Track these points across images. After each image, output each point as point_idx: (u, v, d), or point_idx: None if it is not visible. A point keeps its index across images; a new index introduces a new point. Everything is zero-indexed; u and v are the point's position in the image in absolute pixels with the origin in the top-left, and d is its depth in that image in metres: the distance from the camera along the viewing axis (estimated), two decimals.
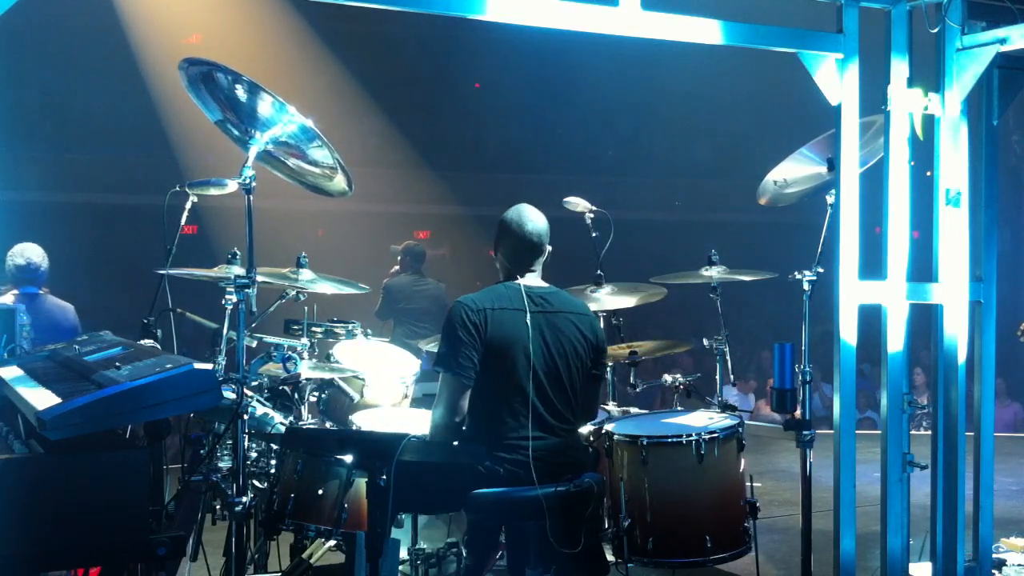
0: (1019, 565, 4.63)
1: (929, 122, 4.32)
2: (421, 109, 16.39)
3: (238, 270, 4.04)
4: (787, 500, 6.64)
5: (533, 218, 3.85)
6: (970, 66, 4.27)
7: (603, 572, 3.78)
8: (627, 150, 18.05)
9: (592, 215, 5.09)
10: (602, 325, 4.98)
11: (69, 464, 2.70)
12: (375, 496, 3.29)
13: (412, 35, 15.49)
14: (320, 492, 3.57)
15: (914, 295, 4.28)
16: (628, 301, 4.97)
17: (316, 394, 4.53)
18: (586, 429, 4.17)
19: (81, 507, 2.67)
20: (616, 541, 3.99)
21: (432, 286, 8.46)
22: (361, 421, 4.24)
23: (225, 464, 4.02)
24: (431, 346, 5.15)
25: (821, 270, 4.52)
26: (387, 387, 4.64)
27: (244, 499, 3.67)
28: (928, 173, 4.38)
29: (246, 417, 3.72)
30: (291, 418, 4.25)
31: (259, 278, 3.79)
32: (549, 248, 3.89)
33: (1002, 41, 4.16)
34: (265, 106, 3.69)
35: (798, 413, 4.49)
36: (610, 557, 3.96)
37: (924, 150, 4.33)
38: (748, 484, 4.19)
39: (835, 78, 4.17)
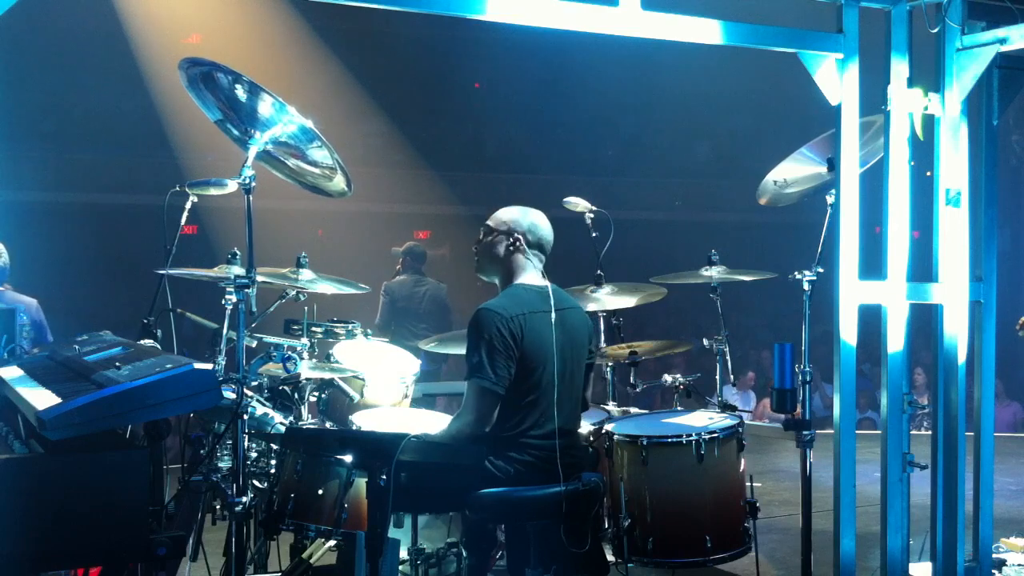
0: (1019, 565, 4.63)
1: (929, 122, 4.32)
2: (421, 109, 16.38)
3: (238, 270, 4.04)
4: (787, 500, 6.64)
5: (543, 224, 3.85)
6: (970, 66, 4.27)
7: (603, 572, 3.78)
8: (627, 150, 18.04)
9: (592, 215, 5.08)
10: (602, 325, 4.99)
11: (69, 464, 2.70)
12: (375, 496, 3.29)
13: (412, 35, 15.47)
14: (320, 492, 3.56)
15: (914, 295, 4.28)
16: (628, 301, 4.96)
17: (316, 394, 4.53)
18: (586, 429, 4.17)
19: (81, 507, 2.66)
20: (616, 541, 3.99)
21: (432, 286, 8.46)
22: (361, 421, 4.24)
23: (225, 464, 4.01)
24: (431, 346, 5.15)
25: (821, 270, 4.52)
26: (387, 387, 4.63)
27: (244, 499, 3.67)
28: (928, 173, 4.38)
29: (246, 417, 3.72)
30: (291, 418, 4.25)
31: (259, 278, 3.79)
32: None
33: (1002, 41, 4.16)
34: (265, 106, 3.69)
35: (798, 413, 4.48)
36: (610, 557, 3.97)
37: (924, 150, 4.33)
38: (748, 484, 4.19)
39: (835, 78, 4.17)
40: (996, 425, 4.67)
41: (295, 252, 4.56)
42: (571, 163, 16.33)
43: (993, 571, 4.53)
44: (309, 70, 13.91)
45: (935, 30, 4.26)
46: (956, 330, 4.36)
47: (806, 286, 4.57)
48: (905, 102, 4.23)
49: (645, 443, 4.04)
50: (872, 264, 4.22)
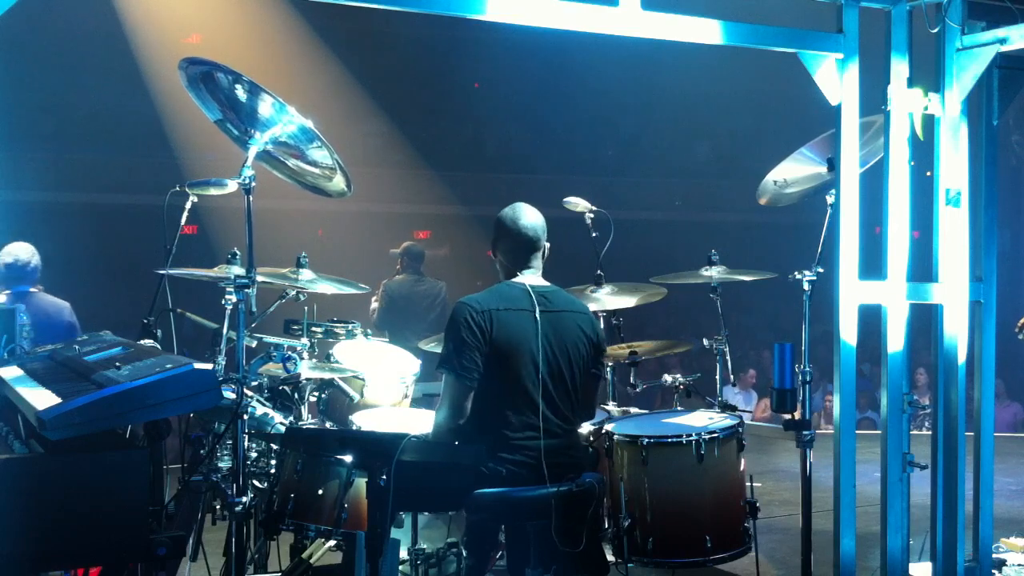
0: (1019, 565, 4.63)
1: (929, 122, 4.32)
2: (421, 109, 16.39)
3: (238, 270, 4.04)
4: (787, 500, 6.64)
5: (528, 215, 3.84)
6: (970, 66, 4.27)
7: (603, 572, 3.78)
8: (627, 150, 18.05)
9: (592, 215, 5.08)
10: (602, 325, 4.99)
11: (69, 464, 2.69)
12: (375, 496, 3.29)
13: (412, 35, 15.48)
14: (320, 492, 3.57)
15: (914, 295, 4.28)
16: (628, 301, 4.96)
17: (316, 394, 4.53)
18: (586, 429, 4.17)
19: (81, 507, 2.66)
20: (616, 541, 3.99)
21: (432, 286, 8.45)
22: (361, 421, 4.24)
23: (225, 464, 4.01)
24: (431, 346, 5.14)
25: (821, 270, 4.52)
26: (387, 387, 4.64)
27: (244, 499, 3.67)
28: (928, 173, 4.38)
29: (246, 417, 3.72)
30: (291, 418, 4.25)
31: (259, 278, 3.79)
32: (547, 245, 3.88)
33: (1002, 41, 4.16)
34: (265, 106, 3.70)
35: (798, 414, 4.48)
36: (610, 557, 3.96)
37: (924, 150, 4.33)
38: (748, 484, 4.19)
39: (835, 78, 4.17)
40: (996, 425, 4.67)
41: (295, 252, 4.56)
42: (571, 163, 16.34)
43: (993, 571, 4.53)
44: (309, 70, 13.91)
45: (935, 30, 4.26)
46: (956, 330, 4.36)
47: (806, 286, 4.56)
48: (905, 102, 4.23)
49: (645, 443, 4.04)
50: (872, 264, 4.22)
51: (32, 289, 5.81)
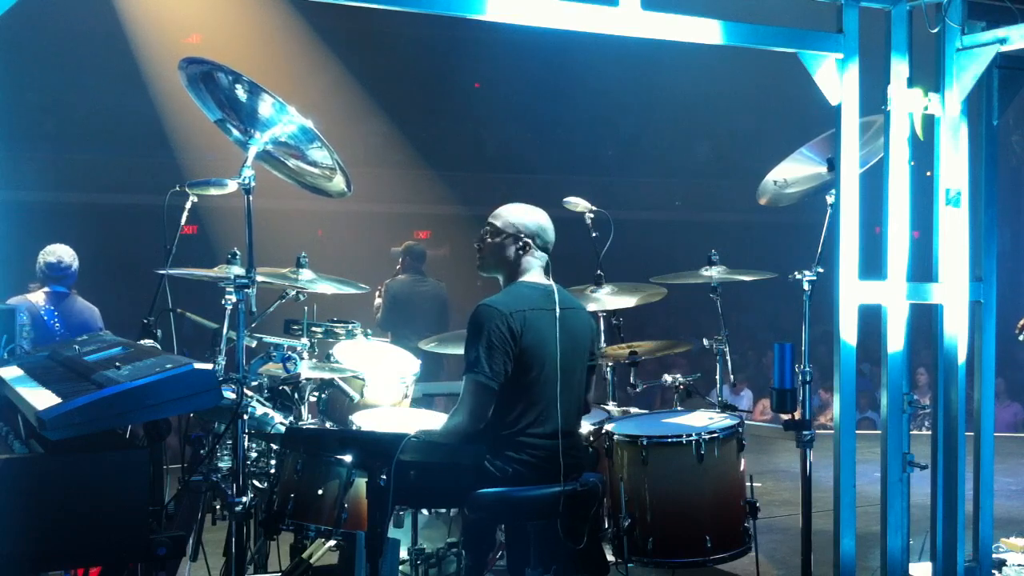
0: (1019, 565, 4.63)
1: (929, 122, 4.32)
2: (421, 109, 16.38)
3: (238, 270, 4.04)
4: (787, 500, 6.64)
5: (546, 219, 3.84)
6: (970, 66, 4.27)
7: (603, 572, 3.78)
8: (627, 150, 18.04)
9: (592, 215, 5.08)
10: (602, 325, 4.99)
11: (69, 464, 2.70)
12: (375, 496, 3.29)
13: (412, 35, 15.47)
14: (320, 492, 3.56)
15: (914, 295, 4.28)
16: (628, 301, 4.96)
17: (316, 394, 4.53)
18: (586, 429, 4.17)
19: (81, 507, 2.67)
20: (616, 541, 4.00)
21: (433, 286, 8.46)
22: (361, 421, 4.24)
23: (225, 464, 4.01)
24: (431, 346, 5.15)
25: (821, 270, 4.52)
26: (387, 387, 4.63)
27: (244, 499, 3.67)
28: (928, 173, 4.38)
29: (246, 417, 3.72)
30: (291, 418, 4.25)
31: (259, 278, 3.79)
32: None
33: (1002, 41, 4.16)
34: (265, 106, 3.69)
35: (798, 414, 4.48)
36: (610, 557, 3.96)
37: (924, 150, 4.33)
38: (748, 484, 4.19)
39: (835, 78, 4.17)
40: (996, 425, 4.67)
41: (295, 252, 4.56)
42: (571, 163, 16.33)
43: (993, 571, 4.53)
44: (309, 70, 13.90)
45: (935, 30, 4.26)
46: (956, 330, 4.36)
47: (806, 286, 4.56)
48: (905, 102, 4.23)
49: (645, 443, 4.04)
50: (872, 264, 4.22)
51: (70, 292, 5.87)
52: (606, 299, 4.91)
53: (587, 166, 16.56)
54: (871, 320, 4.26)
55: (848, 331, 4.14)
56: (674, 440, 4.08)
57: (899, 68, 4.23)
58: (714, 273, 4.96)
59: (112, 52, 13.34)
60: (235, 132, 3.86)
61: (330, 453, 3.57)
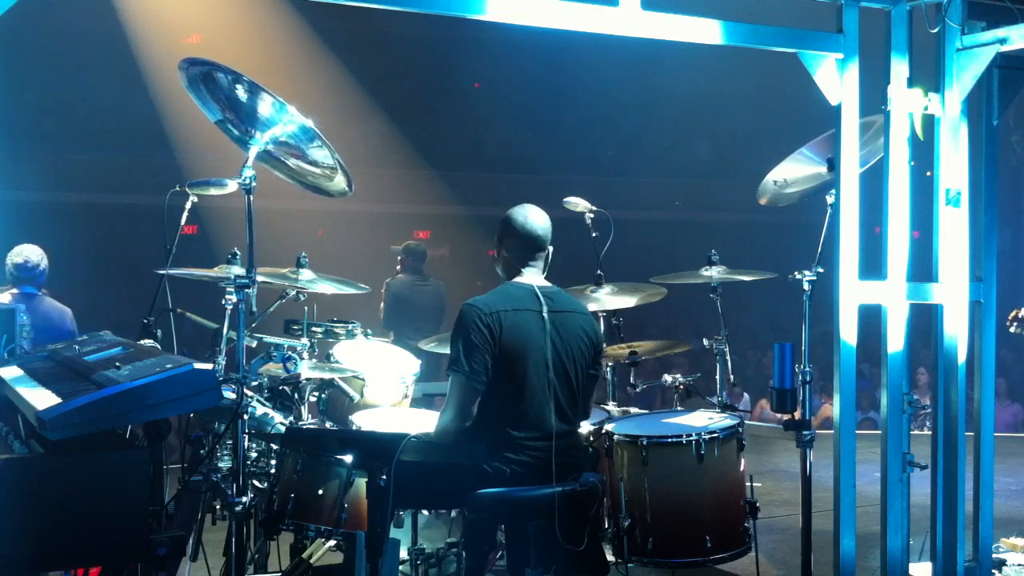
0: (1019, 565, 4.63)
1: (929, 122, 4.32)
2: (421, 109, 16.39)
3: (238, 270, 4.04)
4: (787, 500, 6.64)
5: (537, 216, 3.83)
6: (970, 66, 4.27)
7: (603, 572, 3.77)
8: (627, 150, 18.05)
9: (592, 215, 5.08)
10: (602, 325, 4.99)
11: (69, 464, 2.70)
12: (375, 496, 3.29)
13: (412, 35, 15.47)
14: (320, 492, 3.56)
15: (914, 295, 4.28)
16: (628, 301, 4.96)
17: (316, 394, 4.53)
18: (586, 429, 4.17)
19: (81, 507, 2.66)
20: (616, 541, 4.00)
21: (433, 285, 8.46)
22: (361, 421, 4.24)
23: (225, 464, 4.01)
24: (431, 346, 5.15)
25: (821, 270, 4.52)
26: (387, 387, 4.64)
27: (244, 499, 3.67)
28: (928, 173, 4.38)
29: (246, 417, 3.72)
30: (291, 418, 4.25)
31: (259, 278, 3.79)
32: (551, 248, 3.88)
33: (1002, 41, 4.16)
34: (265, 106, 3.69)
35: (798, 414, 4.48)
36: (610, 557, 3.96)
37: (924, 150, 4.33)
38: (748, 484, 4.19)
39: (835, 78, 4.17)
40: (997, 425, 4.67)
41: (295, 252, 4.56)
42: (571, 163, 16.33)
43: (993, 571, 4.53)
44: (309, 70, 13.90)
45: (935, 30, 4.26)
46: (956, 330, 4.36)
47: (806, 286, 4.56)
48: (905, 102, 4.23)
49: (645, 443, 4.04)
50: (872, 264, 4.22)
51: (39, 292, 5.84)
52: (606, 299, 4.91)
53: (587, 166, 16.57)
54: (871, 320, 4.26)
55: (848, 331, 4.14)
56: (674, 440, 4.08)
57: (899, 68, 4.23)
58: (714, 273, 4.96)
59: (112, 52, 13.34)
60: (235, 132, 3.86)
61: (330, 453, 3.57)
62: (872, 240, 4.24)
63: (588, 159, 16.93)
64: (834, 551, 4.15)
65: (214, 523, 4.18)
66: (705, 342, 4.98)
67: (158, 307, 4.30)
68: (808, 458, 4.51)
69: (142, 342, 3.98)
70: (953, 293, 4.35)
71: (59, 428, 2.60)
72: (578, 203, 5.07)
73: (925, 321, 4.45)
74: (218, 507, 4.09)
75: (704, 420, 4.27)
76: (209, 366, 2.87)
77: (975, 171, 4.44)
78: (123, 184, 14.70)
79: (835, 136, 4.21)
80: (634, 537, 3.99)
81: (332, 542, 3.67)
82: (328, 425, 4.46)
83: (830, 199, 4.46)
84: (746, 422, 4.40)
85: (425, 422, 4.18)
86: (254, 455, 4.10)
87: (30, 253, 5.83)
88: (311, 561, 3.67)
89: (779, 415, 4.56)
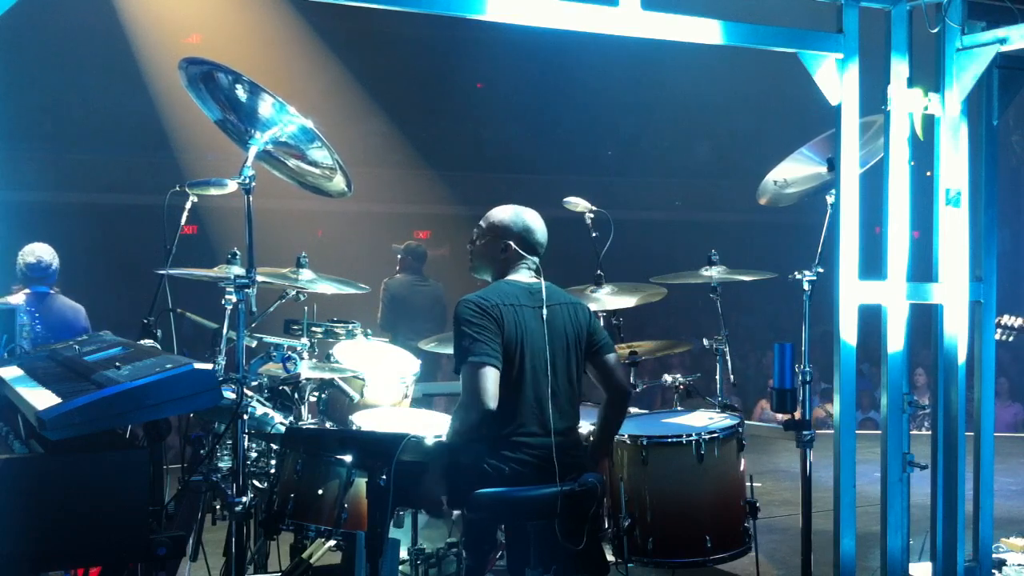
0: (1019, 565, 4.63)
1: (929, 122, 4.32)
2: (421, 109, 16.38)
3: (238, 270, 4.04)
4: (787, 500, 6.64)
5: (538, 220, 3.79)
6: (970, 66, 4.27)
7: (603, 572, 3.77)
8: (627, 150, 18.04)
9: (592, 215, 5.08)
10: (602, 325, 4.98)
11: (69, 464, 2.70)
12: (375, 496, 3.29)
13: (412, 35, 15.47)
14: (320, 492, 3.57)
15: (914, 295, 4.28)
16: (628, 301, 4.96)
17: (316, 394, 4.53)
18: (586, 429, 4.17)
19: (81, 507, 2.66)
20: (616, 541, 4.00)
21: (431, 287, 8.46)
22: (361, 421, 4.24)
23: (225, 464, 4.01)
24: (431, 346, 5.14)
25: (821, 270, 4.52)
26: (387, 387, 4.64)
27: (244, 499, 3.67)
28: (928, 173, 4.38)
29: (246, 417, 3.72)
30: (291, 418, 4.25)
31: (259, 278, 3.79)
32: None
33: (1002, 41, 4.17)
34: (265, 106, 3.69)
35: (798, 414, 4.48)
36: (610, 557, 3.96)
37: (924, 150, 4.33)
38: (748, 484, 4.19)
39: (835, 78, 4.17)
40: (997, 425, 4.67)
41: (295, 252, 4.56)
42: (571, 163, 16.33)
43: (993, 571, 4.53)
44: (309, 70, 13.90)
45: (935, 30, 4.26)
46: (956, 330, 4.36)
47: (806, 286, 4.57)
48: (905, 102, 4.23)
49: (645, 443, 4.04)
50: (872, 264, 4.22)
51: (51, 291, 5.85)
52: (606, 299, 4.91)
53: (587, 166, 16.57)
54: (871, 320, 4.26)
55: (848, 331, 4.14)
56: (674, 440, 4.08)
57: (899, 68, 4.23)
58: (714, 273, 4.96)
59: (112, 52, 13.34)
60: (235, 132, 3.86)
61: (330, 453, 3.57)
62: (872, 240, 4.24)
63: (588, 159, 16.93)
64: (834, 551, 4.15)
65: (214, 523, 4.18)
66: (705, 342, 4.99)
67: (158, 307, 4.30)
68: (808, 458, 4.51)
69: (142, 342, 3.97)
70: (953, 293, 4.35)
71: (59, 428, 2.60)
72: (578, 203, 5.06)
73: (925, 321, 4.45)
74: (218, 507, 4.09)
75: (704, 420, 4.27)
76: (209, 366, 2.87)
77: (975, 171, 4.44)
78: (123, 184, 14.70)
79: (835, 136, 4.21)
80: (634, 537, 3.99)
81: (332, 542, 3.67)
82: (328, 425, 4.46)
83: (830, 199, 4.46)
84: (746, 422, 4.40)
85: (425, 422, 4.19)
86: (254, 455, 4.10)
87: (43, 252, 5.85)
88: (311, 561, 3.67)
89: (779, 415, 4.57)
